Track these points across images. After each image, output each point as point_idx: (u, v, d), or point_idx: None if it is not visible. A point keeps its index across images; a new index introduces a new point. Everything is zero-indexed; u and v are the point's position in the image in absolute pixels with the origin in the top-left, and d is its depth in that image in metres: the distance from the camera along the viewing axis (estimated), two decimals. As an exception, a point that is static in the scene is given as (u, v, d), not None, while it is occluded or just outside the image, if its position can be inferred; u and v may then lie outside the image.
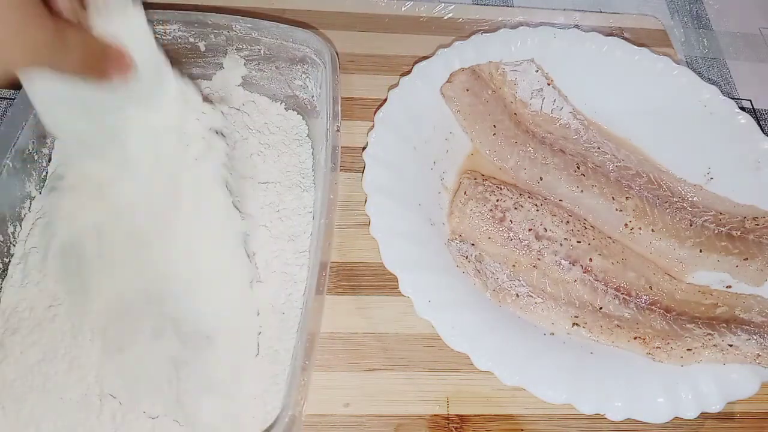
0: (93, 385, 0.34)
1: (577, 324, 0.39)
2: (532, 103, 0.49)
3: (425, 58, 0.48)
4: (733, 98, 0.49)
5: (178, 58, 0.46)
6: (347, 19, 0.56)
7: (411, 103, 0.46)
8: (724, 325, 0.39)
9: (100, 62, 0.31)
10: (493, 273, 0.41)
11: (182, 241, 0.36)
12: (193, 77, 0.47)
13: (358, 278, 0.42)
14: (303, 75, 0.46)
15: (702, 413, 0.35)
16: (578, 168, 0.45)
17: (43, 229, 0.38)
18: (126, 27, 0.32)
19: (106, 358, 0.35)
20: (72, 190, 0.36)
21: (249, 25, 0.44)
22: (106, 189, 0.35)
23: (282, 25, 0.44)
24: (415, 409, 0.38)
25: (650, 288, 0.41)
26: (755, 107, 0.55)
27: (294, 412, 0.31)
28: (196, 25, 0.44)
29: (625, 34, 0.57)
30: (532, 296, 0.40)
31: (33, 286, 0.37)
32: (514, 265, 0.42)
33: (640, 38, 0.56)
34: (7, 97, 0.47)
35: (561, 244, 0.42)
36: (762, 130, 0.46)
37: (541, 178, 0.45)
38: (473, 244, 0.42)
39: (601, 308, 0.40)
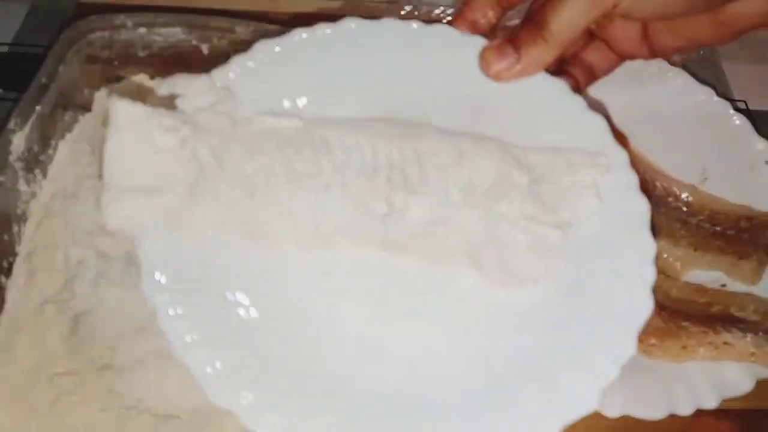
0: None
1: (573, 322, 0.39)
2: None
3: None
4: (727, 100, 0.49)
5: (181, 61, 0.46)
6: (347, 22, 0.56)
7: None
8: (720, 323, 0.39)
9: None
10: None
11: None
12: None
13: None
14: (304, 77, 0.46)
15: (697, 410, 0.36)
16: (575, 169, 0.46)
17: None
18: None
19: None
20: None
21: (251, 28, 0.44)
22: None
23: (285, 29, 0.44)
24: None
25: (646, 286, 0.42)
26: (750, 108, 0.56)
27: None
28: (199, 28, 0.45)
29: (621, 36, 0.58)
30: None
31: (38, 285, 0.38)
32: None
33: (636, 40, 0.57)
34: (11, 98, 0.47)
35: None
36: (756, 131, 0.47)
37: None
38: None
39: (597, 306, 0.40)
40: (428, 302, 0.31)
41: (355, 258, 0.31)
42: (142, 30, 0.44)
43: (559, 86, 0.32)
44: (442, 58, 0.33)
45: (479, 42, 0.32)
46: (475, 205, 0.31)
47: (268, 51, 0.33)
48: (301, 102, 0.33)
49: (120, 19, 0.44)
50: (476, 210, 0.31)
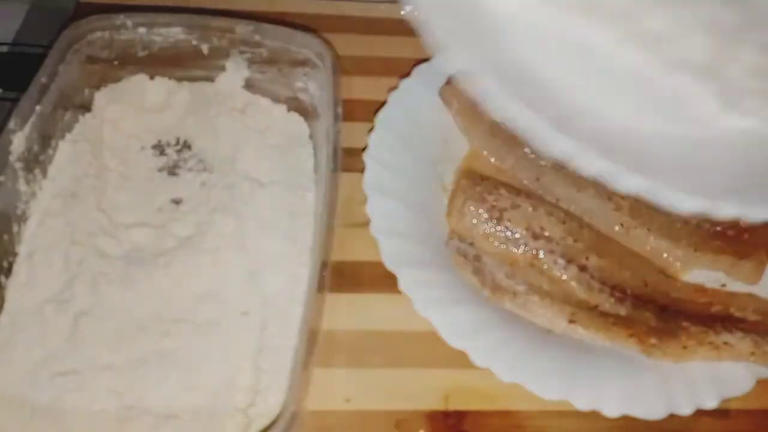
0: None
1: (573, 322, 0.39)
2: (530, 104, 0.49)
3: (425, 60, 0.48)
4: (728, 100, 0.49)
5: (181, 61, 0.46)
6: (348, 23, 0.56)
7: (411, 104, 0.46)
8: (720, 323, 0.39)
9: None
10: (491, 271, 0.41)
11: None
12: (196, 79, 0.48)
13: (359, 277, 0.43)
14: (304, 77, 0.46)
15: (697, 410, 0.36)
16: (575, 169, 0.46)
17: None
18: None
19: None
20: None
21: (251, 28, 0.45)
22: None
23: (283, 28, 0.45)
24: (414, 405, 0.38)
25: (646, 286, 0.42)
26: (750, 109, 0.56)
27: (296, 408, 0.31)
28: (199, 28, 0.45)
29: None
30: (529, 294, 0.40)
31: (38, 285, 0.38)
32: (511, 264, 0.42)
33: (636, 41, 0.57)
34: (11, 98, 0.47)
35: (558, 243, 0.42)
36: (756, 131, 0.47)
37: (539, 179, 0.46)
38: (471, 243, 0.42)
39: (597, 306, 0.41)
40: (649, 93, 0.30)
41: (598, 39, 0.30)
42: (142, 30, 0.44)
43: None
44: None
45: None
46: (711, 33, 0.29)
47: None
48: None
49: (120, 19, 0.44)
50: (710, 38, 0.29)
